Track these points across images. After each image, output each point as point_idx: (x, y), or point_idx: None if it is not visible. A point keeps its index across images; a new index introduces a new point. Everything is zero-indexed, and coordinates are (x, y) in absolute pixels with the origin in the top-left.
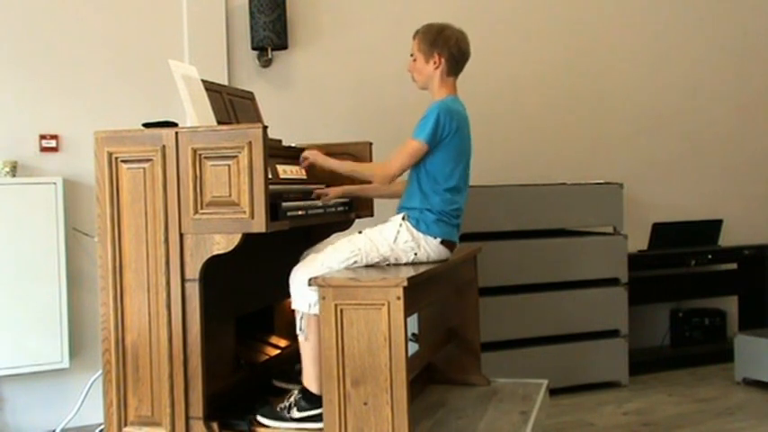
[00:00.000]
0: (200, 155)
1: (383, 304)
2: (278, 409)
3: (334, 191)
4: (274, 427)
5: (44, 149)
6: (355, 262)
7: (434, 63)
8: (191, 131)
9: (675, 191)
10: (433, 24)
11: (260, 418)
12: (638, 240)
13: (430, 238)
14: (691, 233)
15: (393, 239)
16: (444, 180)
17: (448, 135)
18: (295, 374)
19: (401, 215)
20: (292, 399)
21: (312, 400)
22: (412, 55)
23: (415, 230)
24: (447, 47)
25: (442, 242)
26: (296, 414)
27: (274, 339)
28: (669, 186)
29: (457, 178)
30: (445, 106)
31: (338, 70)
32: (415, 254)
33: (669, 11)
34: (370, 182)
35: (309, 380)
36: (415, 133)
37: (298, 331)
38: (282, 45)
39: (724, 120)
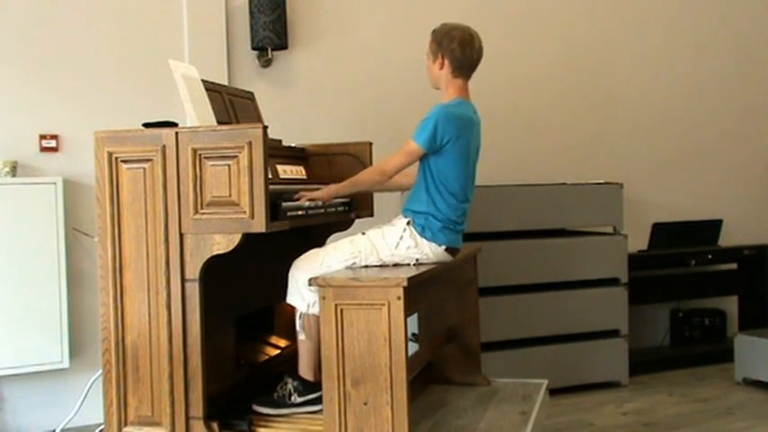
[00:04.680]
0: (200, 155)
1: (383, 304)
2: (275, 397)
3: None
4: (276, 414)
5: (44, 149)
6: (354, 263)
7: (439, 64)
8: (191, 131)
9: (675, 191)
10: (446, 24)
11: (258, 408)
12: (638, 240)
13: (434, 245)
14: (691, 233)
15: (395, 245)
16: (450, 184)
17: (448, 141)
18: (276, 399)
19: (406, 220)
20: (290, 386)
21: (309, 386)
22: (427, 54)
23: (419, 237)
24: (450, 48)
25: (447, 249)
26: (297, 399)
27: (274, 339)
28: (669, 186)
29: (463, 182)
30: (445, 112)
31: (338, 70)
32: (417, 259)
33: (669, 11)
34: (374, 186)
35: (305, 370)
36: (415, 135)
37: (297, 329)
38: (282, 45)
39: (724, 120)
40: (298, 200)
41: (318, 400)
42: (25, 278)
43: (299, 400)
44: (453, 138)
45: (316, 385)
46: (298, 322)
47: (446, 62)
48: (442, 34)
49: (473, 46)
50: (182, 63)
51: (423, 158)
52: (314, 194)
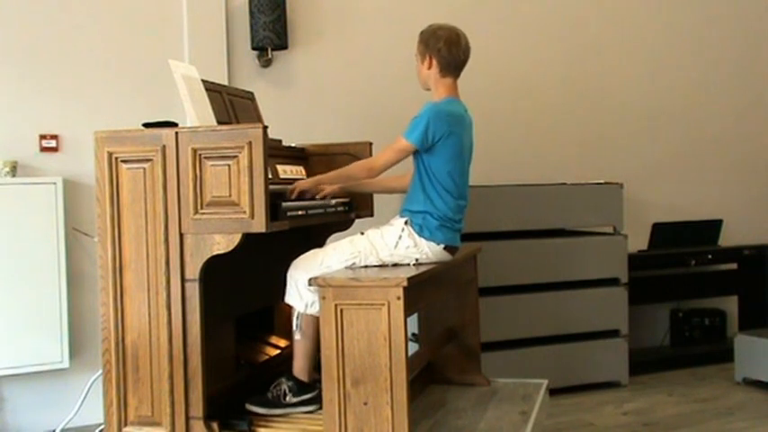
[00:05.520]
0: (200, 155)
1: (383, 304)
2: (269, 397)
3: (331, 187)
4: (269, 414)
5: (44, 149)
6: (354, 263)
7: (427, 64)
8: (191, 131)
9: (675, 191)
10: (432, 25)
11: (252, 408)
12: (638, 240)
13: (433, 244)
14: (691, 233)
15: (394, 245)
16: (446, 181)
17: (441, 138)
18: (269, 399)
19: (404, 219)
20: (284, 387)
21: (304, 386)
22: (415, 56)
23: (417, 236)
24: (436, 48)
25: (445, 248)
26: (292, 399)
27: (274, 339)
28: (669, 186)
29: (458, 179)
30: (436, 109)
31: (338, 70)
32: (417, 259)
33: (669, 11)
34: (362, 181)
35: (300, 371)
36: (406, 132)
37: (294, 329)
38: (282, 45)
39: (724, 120)
40: (291, 194)
41: (312, 401)
42: (25, 278)
43: (294, 400)
44: (445, 135)
45: (310, 386)
46: (294, 322)
47: (434, 62)
48: (428, 35)
49: (459, 45)
50: (182, 63)
51: (417, 158)
52: (300, 183)
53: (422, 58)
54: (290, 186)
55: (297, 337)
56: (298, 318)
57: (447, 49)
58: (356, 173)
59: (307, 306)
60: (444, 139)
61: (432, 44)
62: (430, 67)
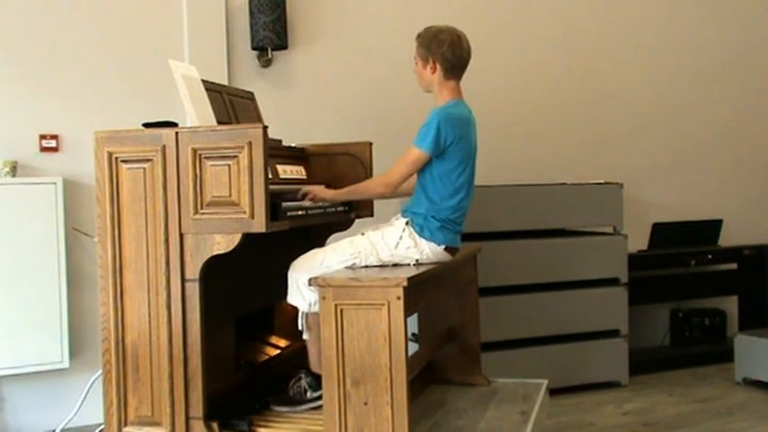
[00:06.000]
0: (200, 155)
1: (383, 304)
2: (291, 394)
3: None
4: (295, 412)
5: (44, 149)
6: (354, 264)
7: (431, 68)
8: (191, 131)
9: (675, 191)
10: (430, 28)
11: (276, 408)
12: (638, 240)
13: (433, 245)
14: (691, 233)
15: (395, 245)
16: (451, 185)
17: (452, 143)
18: (291, 397)
19: (405, 220)
20: (303, 383)
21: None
22: (415, 59)
23: (417, 237)
24: (440, 52)
25: (446, 249)
26: (313, 395)
27: (274, 339)
28: (669, 186)
29: (464, 183)
30: (445, 114)
31: (338, 70)
32: (417, 259)
33: (669, 11)
34: (376, 196)
35: (316, 365)
36: (417, 141)
37: (301, 328)
38: (282, 45)
39: (724, 120)
40: (302, 196)
41: None
42: (25, 278)
43: (314, 395)
44: (456, 139)
45: None
46: (300, 322)
47: (438, 65)
48: (429, 38)
49: (462, 46)
50: (182, 63)
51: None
52: (313, 189)
53: (423, 62)
54: (293, 187)
55: (305, 336)
56: (303, 317)
57: (451, 52)
58: (373, 190)
59: (310, 305)
60: (455, 144)
61: (434, 48)
62: (434, 72)
